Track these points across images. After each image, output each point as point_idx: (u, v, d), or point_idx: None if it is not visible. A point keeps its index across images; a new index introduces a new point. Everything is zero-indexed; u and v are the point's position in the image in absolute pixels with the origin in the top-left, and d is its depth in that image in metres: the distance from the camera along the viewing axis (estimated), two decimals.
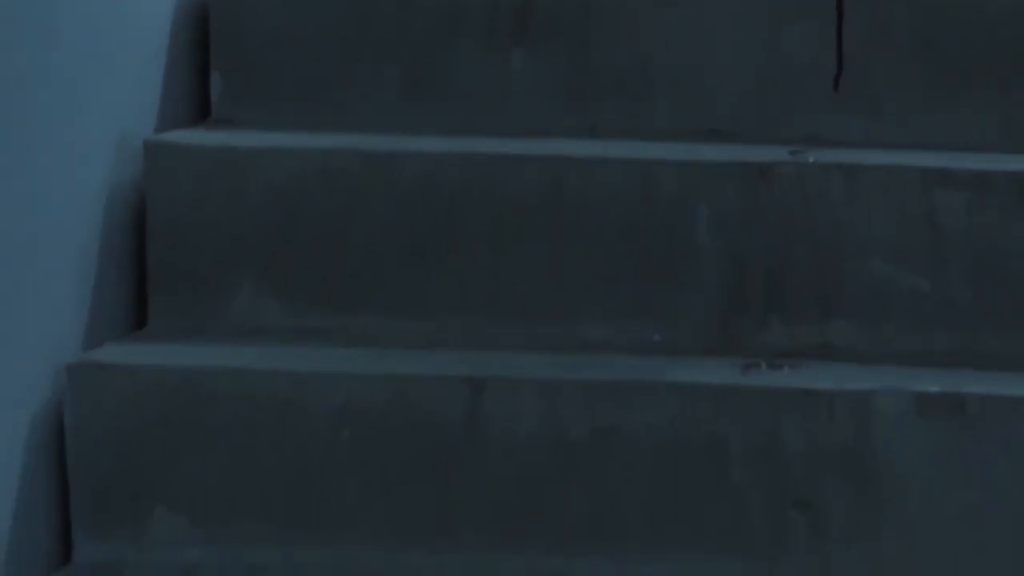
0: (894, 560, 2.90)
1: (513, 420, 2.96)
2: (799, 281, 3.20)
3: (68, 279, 3.14)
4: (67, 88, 2.99)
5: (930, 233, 3.17)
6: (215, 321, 3.32)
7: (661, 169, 3.22)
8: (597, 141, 3.38)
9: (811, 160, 3.20)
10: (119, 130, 3.23)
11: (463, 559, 2.96)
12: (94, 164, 3.22)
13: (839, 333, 3.20)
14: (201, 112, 3.63)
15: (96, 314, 3.22)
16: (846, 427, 2.91)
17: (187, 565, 2.95)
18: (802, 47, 3.48)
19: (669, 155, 3.26)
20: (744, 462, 2.93)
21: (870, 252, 3.18)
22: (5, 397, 2.89)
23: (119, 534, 2.97)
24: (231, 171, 3.28)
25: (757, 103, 3.46)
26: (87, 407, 2.98)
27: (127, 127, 3.25)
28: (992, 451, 2.88)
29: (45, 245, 3.03)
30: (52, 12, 2.92)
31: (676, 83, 3.51)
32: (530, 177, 3.25)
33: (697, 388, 2.97)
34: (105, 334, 3.25)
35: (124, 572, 2.95)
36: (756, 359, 3.11)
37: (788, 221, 3.21)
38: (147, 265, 3.37)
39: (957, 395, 2.90)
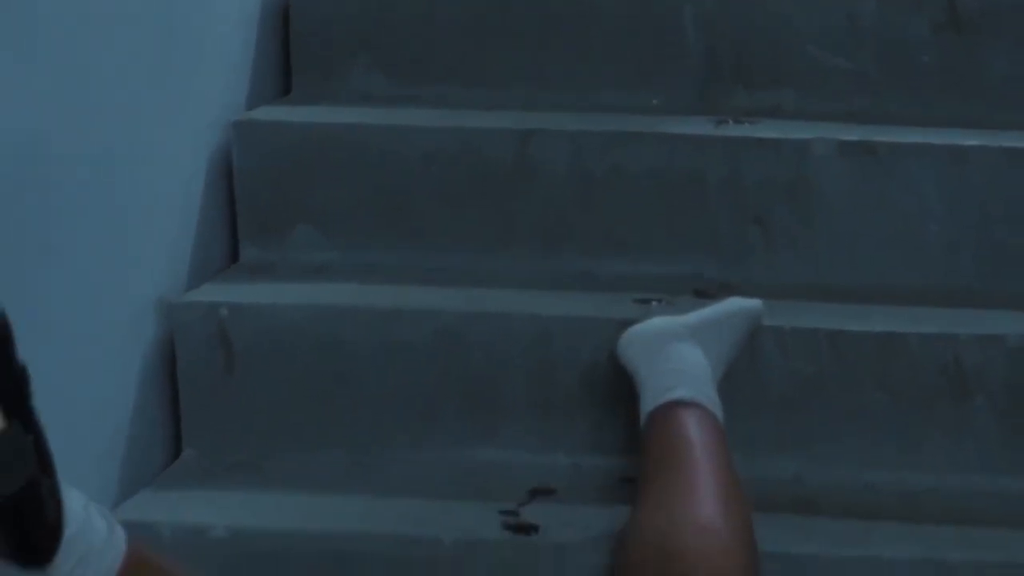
0: (821, 256, 3.13)
1: (551, 161, 3.18)
2: (757, 61, 3.46)
3: (237, 52, 3.40)
4: None
5: (849, 26, 3.43)
6: (338, 91, 3.52)
7: None
8: None
9: None
10: None
11: (513, 260, 3.17)
12: None
13: (786, 99, 3.46)
14: None
15: (254, 84, 3.45)
16: (789, 165, 3.14)
17: (319, 264, 3.15)
18: None
19: None
20: (716, 190, 3.14)
21: (807, 40, 3.43)
22: (190, 143, 3.13)
23: (271, 242, 3.20)
24: None
25: None
26: (248, 151, 3.21)
27: None
28: (893, 182, 3.13)
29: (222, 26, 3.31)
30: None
31: None
32: None
33: (683, 137, 3.19)
34: (260, 100, 3.46)
35: (275, 269, 3.15)
36: (726, 117, 3.34)
37: (750, 18, 3.46)
38: (290, 49, 3.57)
39: (869, 142, 3.14)
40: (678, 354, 2.71)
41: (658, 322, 2.79)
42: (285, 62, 3.63)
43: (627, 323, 2.82)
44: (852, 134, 3.20)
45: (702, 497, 2.47)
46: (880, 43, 3.43)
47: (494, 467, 2.84)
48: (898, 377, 2.85)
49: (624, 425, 2.79)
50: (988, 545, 2.62)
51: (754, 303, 2.85)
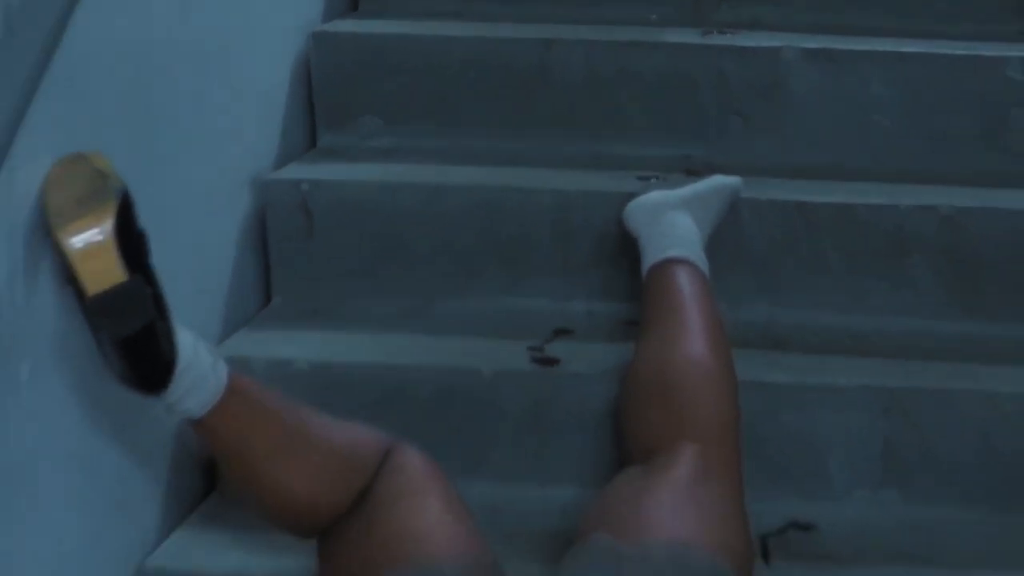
0: (789, 141, 3.10)
1: (567, 64, 3.14)
2: None
3: None
4: None
5: None
6: (396, 7, 3.50)
7: None
8: None
9: None
10: None
11: (538, 144, 3.12)
12: None
13: (762, 14, 3.42)
14: None
15: (329, 1, 3.43)
16: (764, 67, 3.11)
17: (380, 148, 3.13)
18: None
19: None
20: (704, 88, 3.10)
21: None
22: (279, 49, 3.12)
23: (342, 130, 3.18)
24: None
25: None
26: (324, 56, 3.19)
27: None
28: (848, 81, 3.08)
29: None
30: None
31: None
32: None
33: (676, 45, 3.17)
34: (333, 14, 3.43)
35: (345, 152, 3.12)
36: (712, 29, 3.30)
37: None
38: None
39: (829, 49, 3.11)
40: (672, 221, 2.69)
41: (656, 195, 2.77)
42: None
43: (631, 196, 2.79)
44: (815, 43, 3.16)
45: (692, 336, 2.45)
46: None
47: (523, 312, 2.82)
48: (851, 239, 2.83)
49: (629, 278, 2.77)
50: (923, 375, 2.61)
51: (734, 179, 2.82)
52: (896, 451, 2.54)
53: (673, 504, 2.16)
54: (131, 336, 1.99)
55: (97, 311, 1.97)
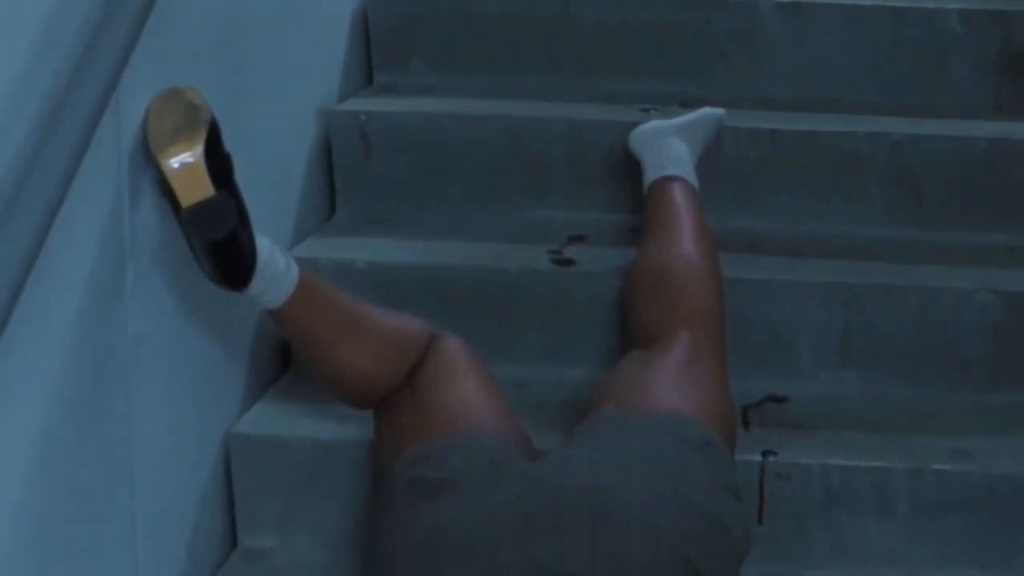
0: (764, 80, 3.02)
1: (583, 16, 3.07)
2: None
3: None
4: None
5: None
6: None
7: None
8: None
9: None
10: None
11: (558, 82, 3.04)
12: None
13: None
14: None
15: None
16: (743, 18, 3.04)
17: (427, 86, 3.05)
18: None
19: None
20: (693, 35, 3.04)
21: None
22: (343, 3, 3.06)
23: (395, 71, 3.10)
24: None
25: None
26: (380, 8, 3.10)
27: None
28: (813, 30, 3.02)
29: None
30: None
31: None
32: None
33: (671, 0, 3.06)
34: None
35: (397, 88, 3.05)
36: None
37: None
38: None
39: (797, 3, 3.02)
40: (668, 145, 2.65)
41: (655, 123, 2.73)
42: None
43: (634, 124, 2.74)
44: None
45: (685, 240, 2.43)
46: None
47: (543, 222, 2.76)
48: (815, 161, 2.78)
49: (632, 193, 2.70)
50: (874, 274, 2.57)
51: (719, 111, 2.77)
52: (852, 337, 2.50)
53: (669, 381, 2.14)
54: (218, 241, 1.97)
55: (190, 220, 1.95)
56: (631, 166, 2.71)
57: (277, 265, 2.07)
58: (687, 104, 2.89)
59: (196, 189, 1.94)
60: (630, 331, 2.38)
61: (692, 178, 2.59)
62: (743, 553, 1.98)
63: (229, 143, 2.03)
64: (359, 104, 2.95)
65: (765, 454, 2.22)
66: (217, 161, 1.97)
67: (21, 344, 1.62)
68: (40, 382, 1.72)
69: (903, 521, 2.20)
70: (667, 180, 2.56)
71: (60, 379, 1.77)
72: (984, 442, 2.28)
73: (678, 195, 2.53)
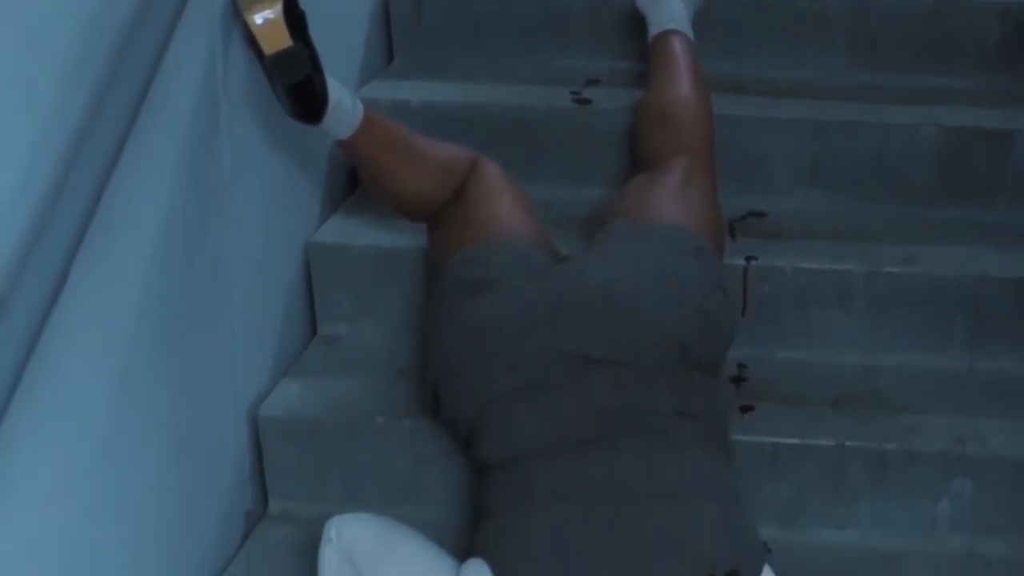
0: None
1: None
2: None
3: None
4: None
5: None
6: None
7: None
8: None
9: None
10: None
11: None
12: None
13: None
14: None
15: None
16: None
17: None
18: None
19: None
20: None
21: None
22: None
23: None
24: None
25: None
26: None
27: None
28: None
29: None
30: None
31: None
32: None
33: None
34: None
35: None
36: None
37: None
38: None
39: None
40: (669, 5, 2.54)
41: None
42: None
43: None
44: None
45: (682, 82, 2.36)
46: None
47: (565, 68, 2.66)
48: (790, 17, 2.66)
49: (639, 45, 2.60)
50: (839, 111, 2.48)
51: None
52: (820, 163, 2.44)
53: (669, 199, 2.11)
54: (296, 84, 1.93)
55: (272, 67, 1.92)
56: (638, 22, 2.62)
57: (345, 103, 2.03)
58: None
59: (277, 40, 1.90)
60: (637, 157, 2.34)
61: (689, 32, 2.52)
62: (730, 340, 1.98)
63: (304, 2, 1.96)
64: None
65: (748, 259, 2.20)
66: (294, 17, 1.92)
67: (137, 172, 1.60)
68: (155, 204, 1.71)
69: (861, 314, 2.19)
70: (668, 33, 2.48)
71: (170, 202, 1.75)
72: (928, 250, 2.25)
73: (677, 46, 2.45)
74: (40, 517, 1.44)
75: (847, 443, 1.97)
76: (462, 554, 1.73)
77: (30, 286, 1.34)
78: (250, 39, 1.92)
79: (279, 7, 1.90)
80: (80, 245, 1.43)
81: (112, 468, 1.59)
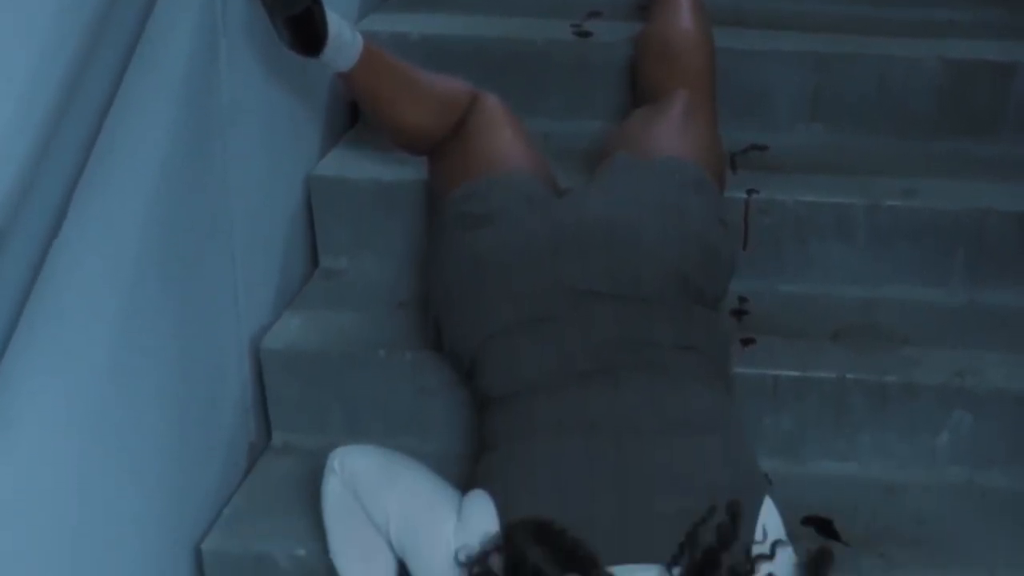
0: None
1: None
2: None
3: None
4: None
5: None
6: None
7: None
8: None
9: None
10: None
11: None
12: None
13: None
14: None
15: None
16: None
17: None
18: None
19: None
20: None
21: None
22: None
23: None
24: None
25: None
26: None
27: None
28: None
29: None
30: None
31: None
32: None
33: None
34: None
35: None
36: None
37: None
38: None
39: None
40: None
41: None
42: None
43: None
44: None
45: (684, 15, 2.32)
46: None
47: (565, 1, 2.61)
48: None
49: None
50: (841, 44, 2.45)
51: None
52: (822, 96, 2.41)
53: (671, 132, 2.08)
54: (295, 16, 1.90)
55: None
56: None
57: (345, 36, 2.00)
58: None
59: None
60: (638, 90, 2.31)
61: None
62: (731, 273, 1.96)
63: None
64: None
65: (749, 192, 2.18)
66: None
67: (136, 104, 1.58)
68: (155, 137, 1.68)
69: (861, 246, 2.17)
70: None
71: (170, 134, 1.72)
72: (929, 183, 2.23)
73: None
74: (43, 450, 1.43)
75: (847, 375, 1.96)
76: (464, 485, 1.72)
77: (30, 218, 1.32)
78: None
79: None
80: (80, 177, 1.42)
81: (115, 401, 1.58)
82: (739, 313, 2.10)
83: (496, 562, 1.58)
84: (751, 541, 1.59)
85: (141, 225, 1.64)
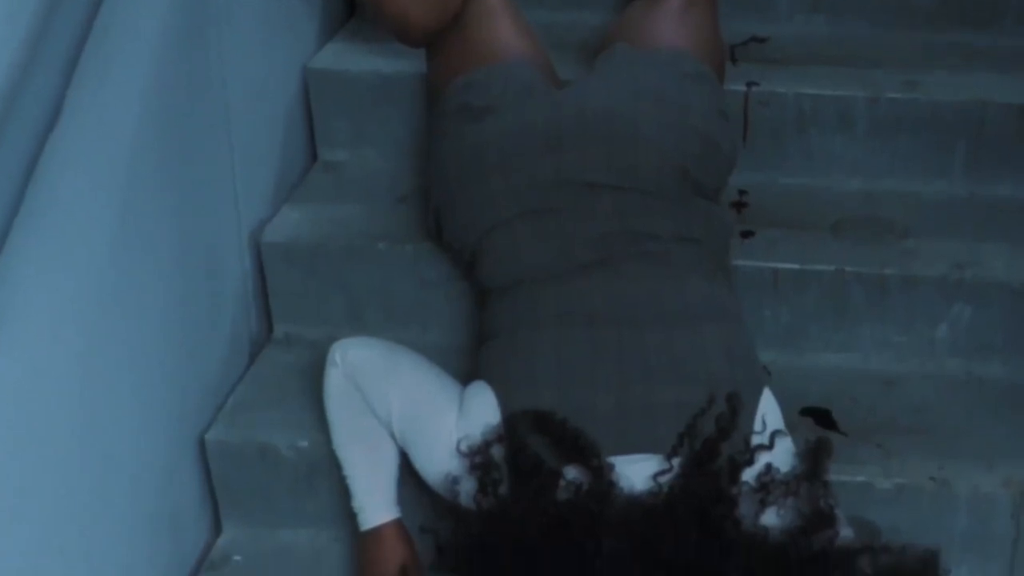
0: None
1: None
2: None
3: None
4: None
5: None
6: None
7: None
8: None
9: None
10: None
11: None
12: None
13: None
14: None
15: None
16: None
17: None
18: None
19: None
20: None
21: None
22: None
23: None
24: None
25: None
26: None
27: None
28: None
29: None
30: None
31: None
32: None
33: None
34: None
35: None
36: None
37: None
38: None
39: None
40: None
41: None
42: None
43: None
44: None
45: None
46: None
47: None
48: None
49: None
50: None
51: None
52: None
53: (671, 23, 2.02)
54: None
55: None
56: None
57: None
58: None
59: None
60: None
61: None
62: (731, 165, 1.93)
63: None
64: None
65: (749, 84, 2.13)
66: None
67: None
68: (151, 26, 1.63)
69: (862, 138, 2.13)
70: None
71: (166, 24, 1.68)
72: (930, 75, 2.18)
73: None
74: (45, 342, 1.41)
75: (847, 268, 1.93)
76: (465, 376, 1.71)
77: (26, 109, 1.28)
78: None
79: None
80: (76, 67, 1.38)
81: (115, 295, 1.56)
82: (739, 205, 2.07)
83: (497, 452, 1.57)
84: (750, 432, 1.58)
85: (137, 117, 1.60)
